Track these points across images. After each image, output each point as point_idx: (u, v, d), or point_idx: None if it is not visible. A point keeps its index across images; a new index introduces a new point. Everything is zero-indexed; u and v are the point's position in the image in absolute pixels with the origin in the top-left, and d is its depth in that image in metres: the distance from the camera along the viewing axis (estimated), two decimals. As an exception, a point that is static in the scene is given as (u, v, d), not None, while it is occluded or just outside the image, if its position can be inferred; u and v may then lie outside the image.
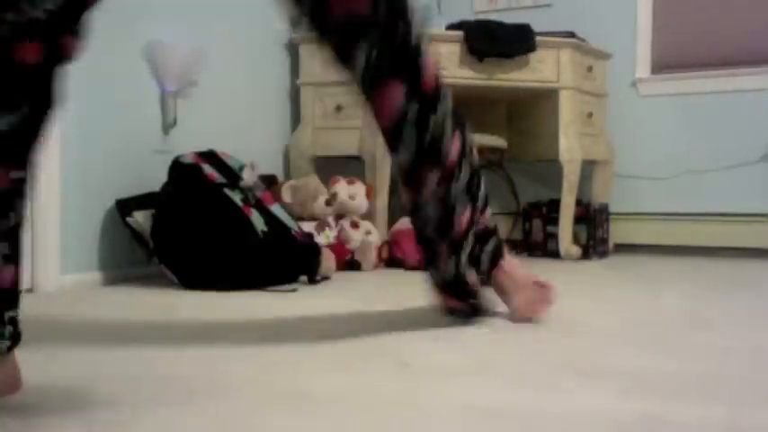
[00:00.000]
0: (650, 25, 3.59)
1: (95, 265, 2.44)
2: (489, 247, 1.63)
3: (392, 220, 3.05)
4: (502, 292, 1.65)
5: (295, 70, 3.34)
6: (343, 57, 1.40)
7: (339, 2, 1.35)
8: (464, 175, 1.52)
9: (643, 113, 3.59)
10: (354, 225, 2.82)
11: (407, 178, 1.51)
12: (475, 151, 1.58)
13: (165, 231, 2.34)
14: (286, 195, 2.76)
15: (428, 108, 1.45)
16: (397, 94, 1.42)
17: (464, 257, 1.55)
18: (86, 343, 1.42)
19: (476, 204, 1.56)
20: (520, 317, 1.60)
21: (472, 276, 1.57)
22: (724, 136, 3.43)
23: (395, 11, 1.38)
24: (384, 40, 1.38)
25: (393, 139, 1.47)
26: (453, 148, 1.50)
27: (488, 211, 1.63)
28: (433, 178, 1.48)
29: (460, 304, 1.60)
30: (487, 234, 1.62)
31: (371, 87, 1.42)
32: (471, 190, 1.55)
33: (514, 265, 1.68)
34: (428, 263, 1.60)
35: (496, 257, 1.65)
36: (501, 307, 1.66)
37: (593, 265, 3.00)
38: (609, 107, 3.49)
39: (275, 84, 3.34)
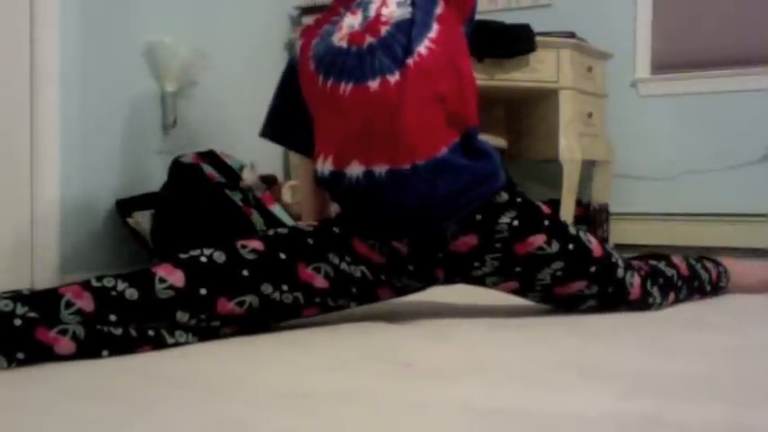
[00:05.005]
0: (650, 25, 3.59)
1: (95, 265, 2.44)
2: None
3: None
4: None
5: (295, 70, 3.33)
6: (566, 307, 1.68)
7: (562, 289, 1.61)
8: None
9: (643, 113, 3.59)
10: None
11: None
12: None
13: (165, 231, 2.34)
14: (286, 195, 2.76)
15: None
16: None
17: None
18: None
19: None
20: None
21: None
22: (724, 136, 3.43)
23: (605, 282, 1.63)
24: (599, 302, 1.65)
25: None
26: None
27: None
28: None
29: None
30: None
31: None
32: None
33: None
34: None
35: None
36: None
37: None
38: (609, 107, 3.48)
39: (276, 84, 3.34)
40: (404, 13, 1.53)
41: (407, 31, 1.50)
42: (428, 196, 1.47)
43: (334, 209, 1.76)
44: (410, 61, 1.47)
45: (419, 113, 1.46)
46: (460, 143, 1.51)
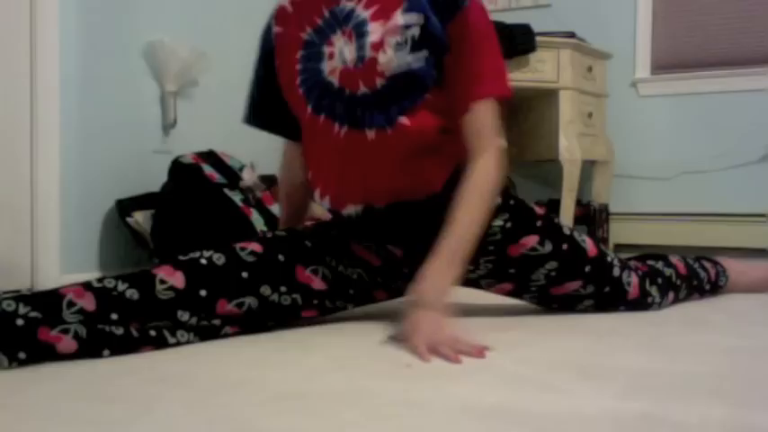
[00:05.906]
0: (650, 25, 3.59)
1: (95, 265, 2.44)
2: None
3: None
4: None
5: (295, 70, 3.33)
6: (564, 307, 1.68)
7: (558, 289, 1.62)
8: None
9: (643, 113, 3.59)
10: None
11: None
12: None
13: (165, 231, 2.34)
14: (286, 195, 2.76)
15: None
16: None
17: None
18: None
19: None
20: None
21: None
22: (724, 136, 3.43)
23: (600, 281, 1.63)
24: (597, 302, 1.66)
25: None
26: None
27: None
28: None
29: None
30: None
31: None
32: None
33: None
34: None
35: None
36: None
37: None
38: (609, 107, 3.49)
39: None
40: (401, 64, 1.40)
41: (405, 87, 1.42)
42: (427, 221, 1.48)
43: (320, 212, 1.77)
44: (405, 120, 1.42)
45: (418, 164, 1.45)
46: (456, 171, 1.49)
